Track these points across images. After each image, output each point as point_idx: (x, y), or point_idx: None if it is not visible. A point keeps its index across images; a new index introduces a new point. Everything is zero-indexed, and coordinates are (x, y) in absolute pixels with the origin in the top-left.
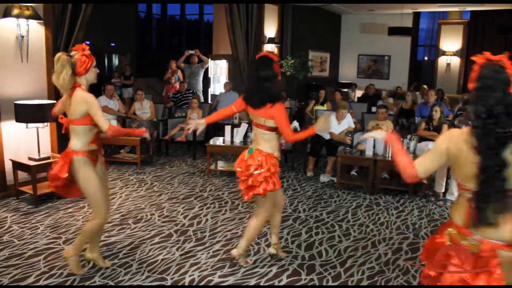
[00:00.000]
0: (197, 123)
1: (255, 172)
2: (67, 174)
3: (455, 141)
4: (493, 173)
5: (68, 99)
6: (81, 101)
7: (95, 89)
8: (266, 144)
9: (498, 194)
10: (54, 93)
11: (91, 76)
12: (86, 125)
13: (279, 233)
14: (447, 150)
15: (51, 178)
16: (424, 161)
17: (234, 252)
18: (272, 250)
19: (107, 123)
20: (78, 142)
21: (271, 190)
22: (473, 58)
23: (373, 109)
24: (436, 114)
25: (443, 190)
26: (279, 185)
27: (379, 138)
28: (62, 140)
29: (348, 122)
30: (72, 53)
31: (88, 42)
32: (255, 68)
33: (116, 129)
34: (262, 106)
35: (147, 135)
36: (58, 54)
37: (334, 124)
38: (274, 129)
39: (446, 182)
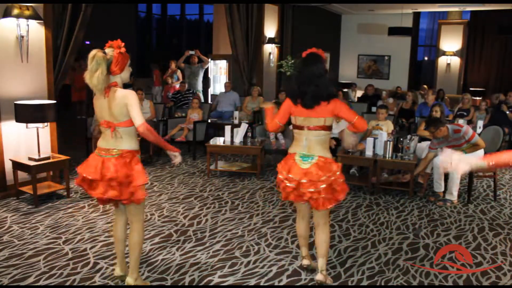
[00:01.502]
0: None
1: (331, 178)
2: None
3: None
4: None
5: (104, 101)
6: (123, 98)
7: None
8: (324, 148)
9: None
10: (54, 93)
11: (126, 75)
12: (135, 127)
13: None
14: None
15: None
16: None
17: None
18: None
19: (142, 120)
20: (133, 142)
21: (342, 198)
22: None
23: (373, 109)
24: (436, 114)
25: (442, 190)
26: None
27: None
28: (62, 140)
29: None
30: (107, 50)
31: (88, 42)
32: (304, 66)
33: (150, 129)
34: (317, 104)
35: (178, 159)
36: (94, 51)
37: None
38: (330, 128)
39: (445, 182)
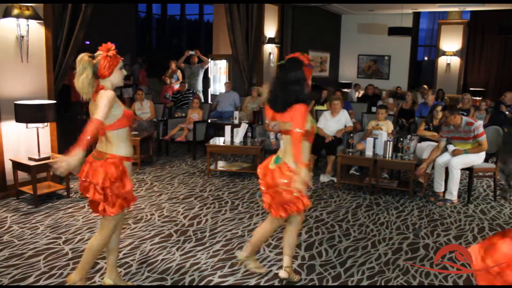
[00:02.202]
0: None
1: (283, 188)
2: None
3: None
4: None
5: (92, 105)
6: (98, 99)
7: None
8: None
9: None
10: (54, 93)
11: (116, 78)
12: (124, 128)
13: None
14: None
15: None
16: None
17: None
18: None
19: (98, 118)
20: (123, 148)
21: (299, 211)
22: None
23: (373, 109)
24: (439, 114)
25: (442, 190)
26: (307, 204)
27: None
28: (62, 140)
29: (346, 119)
30: (97, 53)
31: (88, 42)
32: (282, 70)
33: (93, 128)
34: (285, 110)
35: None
36: (81, 55)
37: (329, 120)
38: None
39: (445, 182)
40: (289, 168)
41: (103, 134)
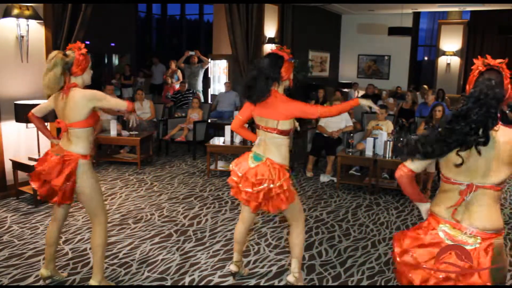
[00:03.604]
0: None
1: (270, 186)
2: (69, 183)
3: None
4: None
5: (61, 102)
6: (87, 98)
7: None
8: (277, 152)
9: None
10: None
11: (87, 77)
12: (88, 128)
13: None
14: None
15: (44, 187)
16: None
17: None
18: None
19: (125, 101)
20: (81, 146)
21: (285, 208)
22: (474, 60)
23: (373, 109)
24: (439, 114)
25: None
26: (295, 199)
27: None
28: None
29: (346, 119)
30: (68, 52)
31: (88, 42)
32: (259, 64)
33: (131, 104)
34: (258, 102)
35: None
36: (54, 52)
37: (329, 119)
38: (288, 133)
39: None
40: (273, 163)
41: (65, 131)
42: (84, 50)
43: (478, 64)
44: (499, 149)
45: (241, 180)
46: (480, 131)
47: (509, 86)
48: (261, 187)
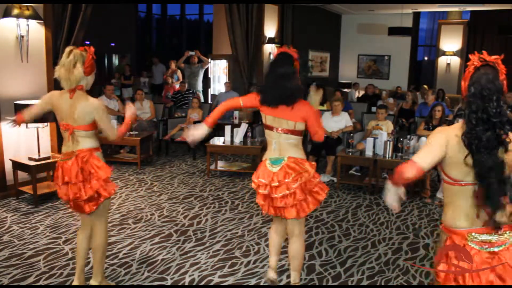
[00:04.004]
0: (194, 134)
1: (305, 178)
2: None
3: (451, 137)
4: (492, 171)
5: (64, 101)
6: (91, 108)
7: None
8: (296, 150)
9: (501, 186)
10: None
11: (91, 80)
12: (94, 129)
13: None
14: (446, 144)
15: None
16: (425, 156)
17: None
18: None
19: (116, 132)
20: (90, 141)
21: (319, 204)
22: (470, 56)
23: (373, 109)
24: (438, 114)
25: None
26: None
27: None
28: (62, 140)
29: (346, 120)
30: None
31: (88, 42)
32: (272, 66)
33: (121, 133)
34: (279, 105)
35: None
36: (70, 47)
37: (329, 120)
38: (302, 133)
39: (439, 181)
40: (297, 159)
41: (71, 133)
42: (94, 56)
43: (474, 59)
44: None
45: (271, 189)
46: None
47: (504, 82)
48: (297, 183)
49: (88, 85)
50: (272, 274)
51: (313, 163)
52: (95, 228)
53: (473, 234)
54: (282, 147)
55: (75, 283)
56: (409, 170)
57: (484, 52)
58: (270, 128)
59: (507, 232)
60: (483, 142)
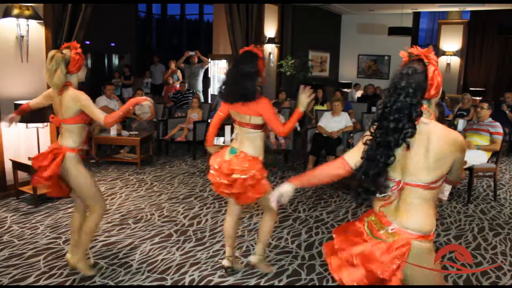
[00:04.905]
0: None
1: (242, 177)
2: (58, 171)
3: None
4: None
5: (56, 98)
6: (73, 99)
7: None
8: (251, 145)
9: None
10: None
11: (82, 74)
12: (79, 124)
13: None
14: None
15: (42, 179)
16: (353, 154)
17: (253, 259)
18: (254, 259)
19: (103, 115)
20: (71, 140)
21: (261, 196)
22: (400, 53)
23: (373, 109)
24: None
25: (445, 199)
26: (268, 189)
27: None
28: None
29: (346, 120)
30: (64, 50)
31: (88, 42)
32: (237, 63)
33: (113, 117)
34: (236, 102)
35: (147, 102)
36: (52, 52)
37: (329, 120)
38: (261, 127)
39: None
40: (246, 156)
41: (58, 126)
42: (79, 50)
43: (404, 55)
44: (429, 146)
45: (219, 173)
46: (405, 122)
47: (437, 74)
48: (234, 177)
49: (80, 79)
50: (225, 262)
51: (259, 163)
52: (89, 213)
53: (373, 216)
54: (241, 139)
55: (68, 256)
56: (337, 166)
57: (415, 47)
58: (234, 121)
59: (396, 235)
60: (380, 139)
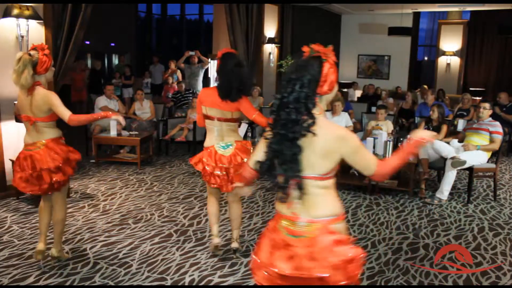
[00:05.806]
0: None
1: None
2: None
3: None
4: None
5: (27, 98)
6: (43, 99)
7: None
8: (236, 134)
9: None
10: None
11: (50, 75)
12: (54, 121)
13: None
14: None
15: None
16: (255, 155)
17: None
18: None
19: (69, 113)
20: (52, 132)
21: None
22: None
23: (373, 109)
24: (434, 114)
25: (444, 199)
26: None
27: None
28: None
29: (346, 120)
30: (32, 52)
31: (88, 42)
32: (222, 62)
33: (79, 118)
34: (227, 97)
35: (117, 117)
36: (20, 54)
37: (329, 119)
38: (239, 119)
39: (439, 180)
40: (241, 141)
41: (32, 124)
42: (47, 51)
43: (306, 50)
44: (316, 140)
45: (214, 166)
46: (304, 112)
47: (332, 72)
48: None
49: (48, 79)
50: (217, 240)
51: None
52: (56, 205)
53: (286, 220)
54: (223, 133)
55: (39, 247)
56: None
57: (317, 44)
58: (211, 118)
59: (311, 225)
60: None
